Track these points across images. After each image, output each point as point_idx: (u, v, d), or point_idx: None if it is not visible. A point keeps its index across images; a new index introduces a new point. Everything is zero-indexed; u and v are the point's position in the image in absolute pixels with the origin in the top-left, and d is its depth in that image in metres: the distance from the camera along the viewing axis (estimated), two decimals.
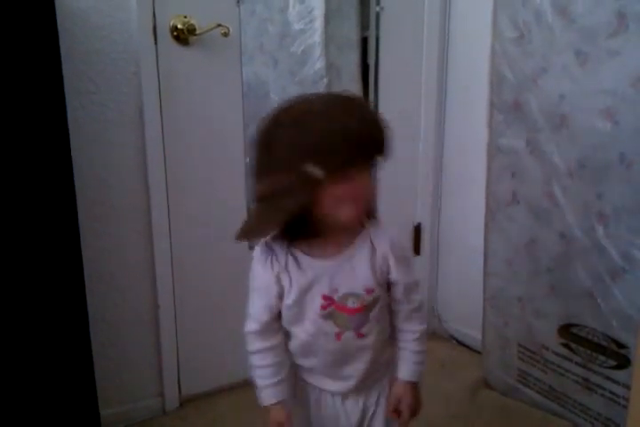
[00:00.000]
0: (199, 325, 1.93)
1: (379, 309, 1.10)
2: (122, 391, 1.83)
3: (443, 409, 1.91)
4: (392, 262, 1.08)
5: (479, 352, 2.12)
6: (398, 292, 1.11)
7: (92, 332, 1.50)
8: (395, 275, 1.09)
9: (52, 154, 1.35)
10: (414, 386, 1.16)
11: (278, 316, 1.13)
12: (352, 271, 1.07)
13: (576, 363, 1.72)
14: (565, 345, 1.74)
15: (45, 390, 1.44)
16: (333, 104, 0.97)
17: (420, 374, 1.16)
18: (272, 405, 1.13)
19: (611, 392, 1.64)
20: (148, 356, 1.87)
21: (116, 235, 1.73)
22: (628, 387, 1.58)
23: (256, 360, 1.15)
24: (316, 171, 0.91)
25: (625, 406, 1.60)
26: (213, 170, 1.85)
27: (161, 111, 1.72)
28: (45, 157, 1.33)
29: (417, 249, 2.36)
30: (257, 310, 1.13)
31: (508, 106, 1.79)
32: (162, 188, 1.77)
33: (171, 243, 1.81)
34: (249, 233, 1.03)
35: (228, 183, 1.88)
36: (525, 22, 1.69)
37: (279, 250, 1.09)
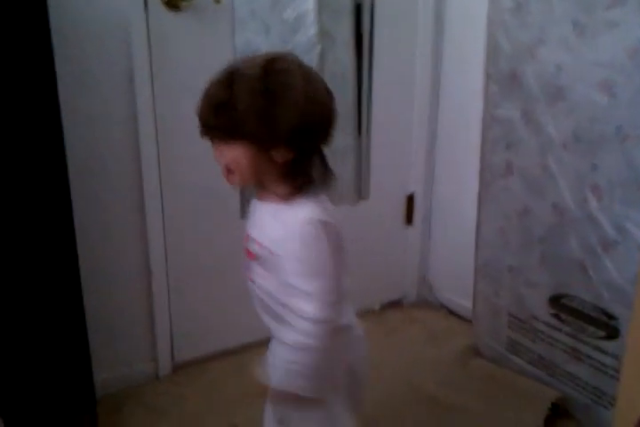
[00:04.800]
0: (192, 290, 1.93)
1: (262, 272, 1.11)
2: (115, 357, 1.84)
3: (432, 377, 1.94)
4: (280, 247, 1.05)
5: (470, 321, 2.15)
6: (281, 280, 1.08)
7: (86, 298, 1.51)
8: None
9: (41, 122, 1.34)
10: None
11: None
12: (262, 223, 1.10)
13: (565, 333, 1.74)
14: (555, 315, 1.76)
15: (41, 355, 1.45)
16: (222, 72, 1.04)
17: (287, 383, 1.04)
18: None
19: (599, 362, 1.67)
20: (141, 321, 1.88)
21: (107, 202, 1.73)
22: (616, 357, 1.61)
23: None
24: None
25: (612, 376, 1.63)
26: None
27: (152, 79, 1.70)
28: (34, 123, 1.33)
29: (410, 218, 2.37)
30: None
31: (503, 76, 1.78)
32: (153, 156, 1.76)
33: (163, 208, 1.81)
34: None
35: None
36: None
37: None
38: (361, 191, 2.29)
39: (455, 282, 2.30)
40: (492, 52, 1.81)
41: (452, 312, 2.32)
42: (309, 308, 1.01)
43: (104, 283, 1.77)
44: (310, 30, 2.17)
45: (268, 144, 1.00)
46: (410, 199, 2.34)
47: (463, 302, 2.23)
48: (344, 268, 1.08)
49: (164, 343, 1.93)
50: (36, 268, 1.40)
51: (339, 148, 2.28)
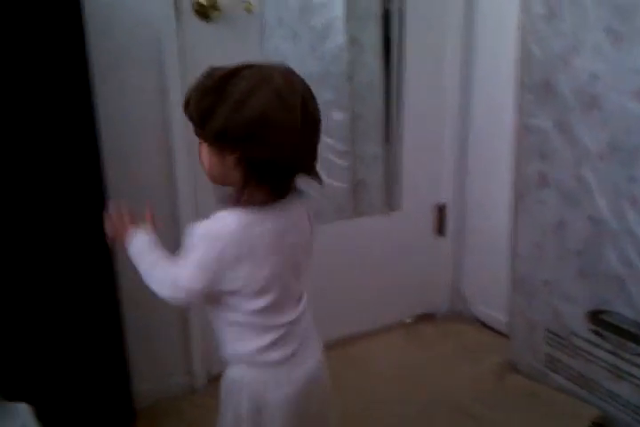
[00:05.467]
0: None
1: None
2: (152, 369, 1.83)
3: (468, 393, 1.90)
4: None
5: (505, 335, 2.10)
6: None
7: (124, 311, 1.54)
8: None
9: (77, 134, 1.39)
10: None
11: None
12: None
13: (606, 350, 1.69)
14: (595, 332, 1.71)
15: (80, 368, 1.48)
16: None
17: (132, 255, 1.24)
18: None
19: None
20: (178, 333, 1.87)
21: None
22: None
23: None
24: None
25: None
26: None
27: (183, 88, 1.67)
28: (71, 136, 1.37)
29: (441, 229, 2.32)
30: None
31: (537, 85, 1.74)
32: (186, 165, 1.75)
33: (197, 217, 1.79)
34: None
35: None
36: None
37: None
38: (391, 202, 2.25)
39: (490, 295, 2.25)
40: (525, 60, 1.76)
41: (486, 326, 2.27)
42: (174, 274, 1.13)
43: (141, 295, 1.75)
44: (339, 37, 2.16)
45: (212, 145, 1.05)
46: (441, 210, 2.30)
47: (499, 316, 2.18)
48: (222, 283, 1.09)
49: (200, 356, 1.92)
50: (75, 281, 1.42)
51: (366, 155, 2.26)
